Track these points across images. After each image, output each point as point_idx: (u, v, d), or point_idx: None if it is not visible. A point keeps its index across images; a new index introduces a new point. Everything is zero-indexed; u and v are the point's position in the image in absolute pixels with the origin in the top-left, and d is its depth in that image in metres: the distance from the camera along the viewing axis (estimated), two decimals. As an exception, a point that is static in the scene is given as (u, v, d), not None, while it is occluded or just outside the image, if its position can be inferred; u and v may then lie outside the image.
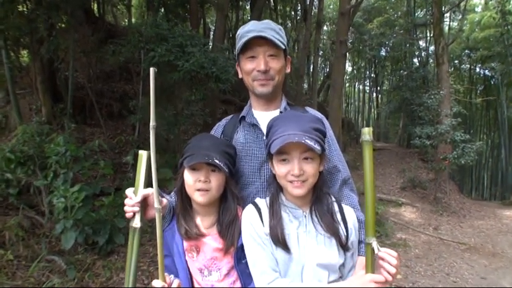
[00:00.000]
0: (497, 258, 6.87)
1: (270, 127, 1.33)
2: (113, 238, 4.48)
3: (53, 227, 4.35)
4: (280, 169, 1.27)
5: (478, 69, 23.44)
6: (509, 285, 5.54)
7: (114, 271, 4.18)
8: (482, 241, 8.05)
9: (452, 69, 21.70)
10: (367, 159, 1.17)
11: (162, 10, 11.57)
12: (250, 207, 1.37)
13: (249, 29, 1.50)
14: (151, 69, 1.15)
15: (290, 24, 19.36)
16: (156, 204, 1.15)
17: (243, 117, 1.63)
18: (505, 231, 9.00)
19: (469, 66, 23.73)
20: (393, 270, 1.15)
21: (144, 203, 1.30)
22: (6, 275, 3.70)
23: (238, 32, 1.56)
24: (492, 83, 22.25)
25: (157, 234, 1.14)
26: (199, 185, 1.35)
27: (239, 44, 1.52)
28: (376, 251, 1.15)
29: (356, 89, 31.82)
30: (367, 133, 1.16)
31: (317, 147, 1.19)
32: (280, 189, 1.36)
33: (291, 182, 1.26)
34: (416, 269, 5.99)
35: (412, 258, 6.51)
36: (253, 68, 1.52)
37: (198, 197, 1.36)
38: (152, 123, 1.15)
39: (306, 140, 1.18)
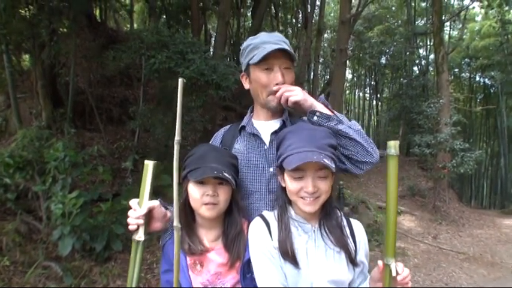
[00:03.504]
0: (496, 268, 6.84)
1: (281, 139, 1.30)
2: (110, 244, 4.46)
3: (51, 232, 4.33)
4: (292, 185, 1.24)
5: (478, 78, 23.56)
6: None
7: (111, 278, 4.16)
8: (482, 250, 8.02)
9: (452, 77, 21.77)
10: (392, 174, 1.12)
11: (164, 16, 11.63)
12: (258, 220, 1.34)
13: (264, 40, 1.49)
14: (180, 80, 1.06)
15: (291, 32, 19.42)
16: (176, 223, 1.07)
17: (243, 127, 1.62)
18: (504, 241, 8.97)
19: (469, 74, 23.85)
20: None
21: (149, 215, 1.26)
22: (3, 280, 3.68)
23: (249, 43, 1.54)
24: (492, 91, 22.34)
25: (175, 253, 1.06)
26: (206, 199, 1.31)
27: (255, 55, 1.48)
28: (394, 274, 1.12)
29: (356, 97, 31.85)
30: (392, 146, 1.11)
31: (332, 165, 1.17)
32: (288, 202, 1.33)
33: (302, 198, 1.24)
34: (415, 278, 5.96)
35: (411, 267, 6.48)
36: (270, 81, 1.50)
37: (205, 212, 1.33)
38: (177, 137, 1.06)
39: (325, 160, 1.16)
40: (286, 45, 1.48)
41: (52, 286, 3.69)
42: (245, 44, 1.56)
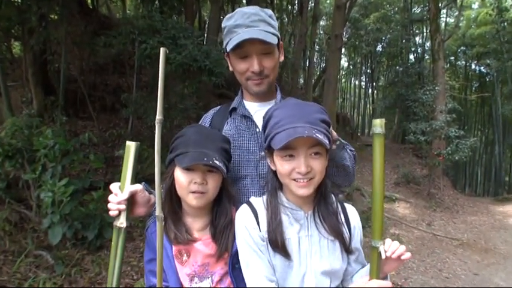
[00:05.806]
0: (489, 254, 6.90)
1: (268, 118, 1.18)
2: (102, 233, 4.39)
3: (41, 221, 4.27)
4: (283, 166, 1.13)
5: (473, 66, 23.57)
6: (501, 281, 5.56)
7: (103, 266, 4.12)
8: (475, 237, 8.09)
9: (448, 65, 21.76)
10: (377, 154, 1.06)
11: (157, 2, 11.41)
12: (245, 208, 1.24)
13: (237, 23, 1.37)
14: (162, 49, 0.97)
15: (286, 18, 19.22)
16: (158, 212, 0.98)
17: (234, 109, 1.54)
18: (498, 227, 9.05)
19: (464, 62, 23.84)
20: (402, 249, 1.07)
21: (131, 200, 1.20)
22: (-8, 270, 3.63)
23: (224, 24, 1.43)
24: (487, 79, 22.35)
25: (158, 246, 0.98)
26: (194, 187, 1.21)
27: (228, 42, 1.40)
28: (383, 256, 1.05)
29: (352, 85, 31.82)
30: (378, 125, 1.05)
31: (326, 141, 1.06)
32: (279, 187, 1.23)
33: (295, 180, 1.13)
34: (409, 264, 5.99)
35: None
36: (246, 69, 1.42)
37: (192, 200, 1.23)
38: (159, 116, 0.96)
39: (317, 134, 1.04)
40: (262, 27, 1.36)
41: (43, 275, 3.65)
42: (222, 24, 1.46)
